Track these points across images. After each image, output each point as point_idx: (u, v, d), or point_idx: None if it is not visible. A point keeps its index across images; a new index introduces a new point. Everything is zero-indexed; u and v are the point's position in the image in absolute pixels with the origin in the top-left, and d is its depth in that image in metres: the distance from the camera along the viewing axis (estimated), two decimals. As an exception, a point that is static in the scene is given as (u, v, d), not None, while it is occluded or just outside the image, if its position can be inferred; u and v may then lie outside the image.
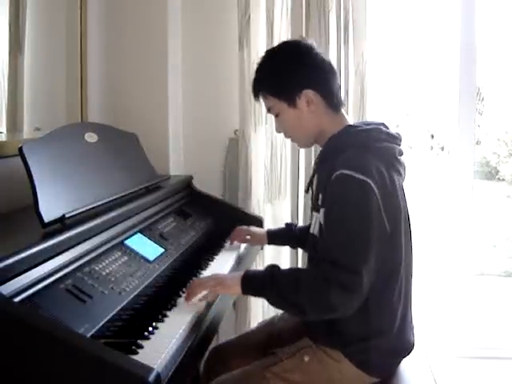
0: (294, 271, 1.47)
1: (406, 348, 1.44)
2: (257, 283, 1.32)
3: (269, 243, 1.85)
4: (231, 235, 1.85)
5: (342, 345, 1.37)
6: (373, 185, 1.28)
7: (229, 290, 1.37)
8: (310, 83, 1.43)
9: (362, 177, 1.27)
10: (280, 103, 1.46)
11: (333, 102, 1.46)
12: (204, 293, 1.33)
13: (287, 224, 1.85)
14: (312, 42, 1.51)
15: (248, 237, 1.84)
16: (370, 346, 1.35)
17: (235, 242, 1.84)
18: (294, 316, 1.54)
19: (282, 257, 2.33)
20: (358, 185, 1.28)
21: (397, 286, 1.37)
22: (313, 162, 2.13)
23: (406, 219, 1.41)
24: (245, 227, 1.88)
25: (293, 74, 1.44)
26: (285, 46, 1.58)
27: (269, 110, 1.53)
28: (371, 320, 1.34)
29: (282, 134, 1.55)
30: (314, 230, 1.46)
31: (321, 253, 1.33)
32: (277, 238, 1.83)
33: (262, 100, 1.51)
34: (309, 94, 1.43)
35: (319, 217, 1.41)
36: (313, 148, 2.19)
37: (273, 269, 1.33)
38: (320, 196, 1.43)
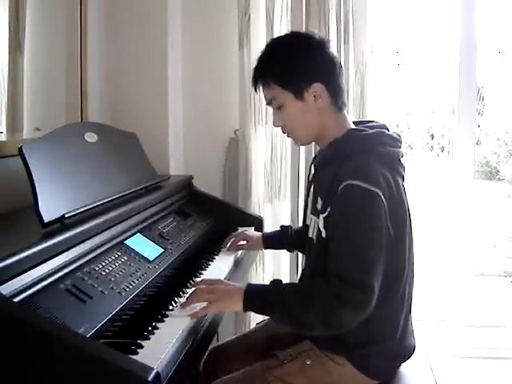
0: (302, 288, 1.35)
1: (407, 352, 1.43)
2: (261, 301, 1.27)
3: (265, 247, 1.81)
4: (226, 242, 1.81)
5: (345, 350, 1.35)
6: (381, 194, 1.25)
7: (230, 308, 1.33)
8: (321, 77, 1.37)
9: (370, 187, 1.25)
10: (285, 94, 1.38)
11: (339, 101, 1.41)
12: (202, 304, 1.27)
13: (282, 227, 1.79)
14: (325, 37, 1.44)
15: (244, 242, 1.81)
16: (373, 351, 1.34)
17: (232, 249, 1.79)
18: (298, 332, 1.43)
19: (282, 257, 2.33)
20: (367, 196, 1.25)
21: (400, 291, 1.36)
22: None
23: (409, 224, 1.39)
24: (240, 232, 1.86)
25: (304, 64, 1.37)
26: (296, 35, 1.51)
27: (269, 103, 1.44)
28: (374, 326, 1.32)
29: (281, 134, 1.51)
30: (313, 234, 1.42)
31: (330, 267, 1.27)
32: (272, 241, 1.80)
33: (262, 91, 1.43)
34: (318, 88, 1.37)
35: (318, 222, 1.37)
36: (313, 148, 2.19)
37: (278, 285, 1.29)
38: (319, 200, 1.38)
